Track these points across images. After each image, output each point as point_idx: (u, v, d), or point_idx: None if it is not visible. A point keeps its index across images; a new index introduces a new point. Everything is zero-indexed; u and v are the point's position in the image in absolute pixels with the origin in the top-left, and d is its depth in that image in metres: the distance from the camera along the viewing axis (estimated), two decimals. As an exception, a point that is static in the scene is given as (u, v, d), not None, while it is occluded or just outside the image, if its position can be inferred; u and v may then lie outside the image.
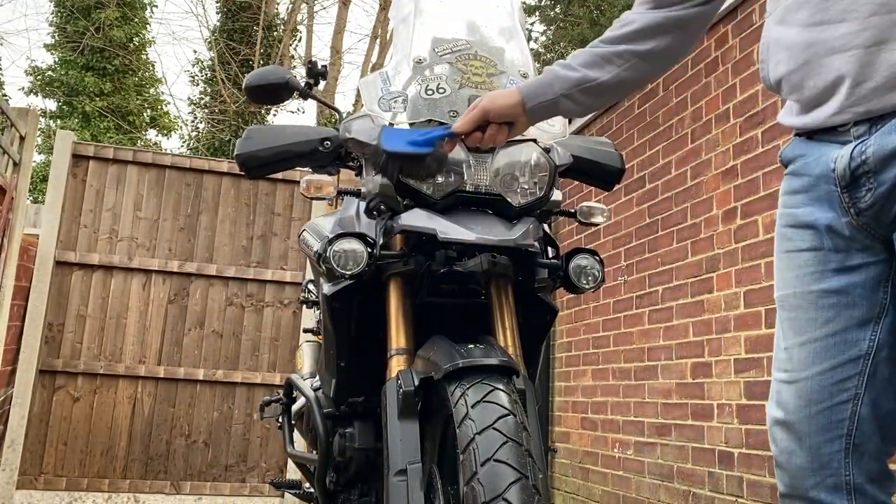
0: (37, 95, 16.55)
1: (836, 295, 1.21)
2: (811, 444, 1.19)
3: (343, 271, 1.53)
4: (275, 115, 15.44)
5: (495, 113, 1.45)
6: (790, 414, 1.22)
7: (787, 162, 1.31)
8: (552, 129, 1.71)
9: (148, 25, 17.20)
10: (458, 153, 1.55)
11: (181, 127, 17.20)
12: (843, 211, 1.20)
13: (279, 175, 5.16)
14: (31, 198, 10.67)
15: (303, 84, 1.89)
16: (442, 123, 1.55)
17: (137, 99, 16.59)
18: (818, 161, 1.23)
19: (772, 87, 1.31)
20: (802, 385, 1.21)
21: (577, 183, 3.08)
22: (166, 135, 18.04)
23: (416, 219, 1.52)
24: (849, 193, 1.19)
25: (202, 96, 15.54)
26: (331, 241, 1.54)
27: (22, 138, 4.52)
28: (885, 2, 1.11)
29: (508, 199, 1.56)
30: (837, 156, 1.19)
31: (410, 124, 1.59)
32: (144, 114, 17.14)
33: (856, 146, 1.17)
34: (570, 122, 1.80)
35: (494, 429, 1.23)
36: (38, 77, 16.17)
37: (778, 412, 1.24)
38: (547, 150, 1.62)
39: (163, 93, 18.05)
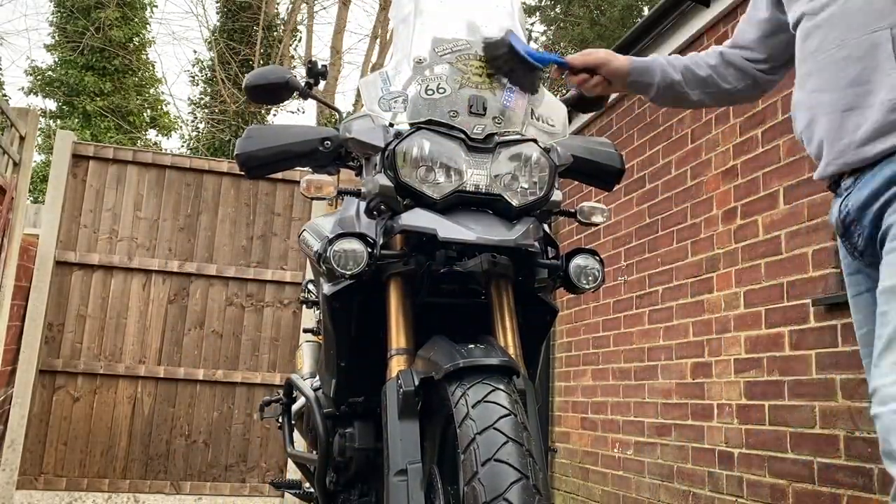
0: (37, 95, 16.56)
1: None
2: None
3: (343, 271, 1.52)
4: (275, 115, 15.45)
5: (608, 69, 1.74)
6: None
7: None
8: (552, 129, 1.70)
9: (148, 25, 17.22)
10: (458, 153, 1.55)
11: (181, 127, 17.23)
12: (850, 254, 1.44)
13: (279, 175, 5.16)
14: (31, 198, 10.68)
15: (303, 84, 1.89)
16: (442, 123, 1.56)
17: (137, 99, 16.60)
18: (831, 216, 1.46)
19: (800, 142, 1.54)
20: None
21: (577, 183, 3.07)
22: (166, 135, 18.05)
23: (416, 219, 1.52)
24: (847, 241, 1.42)
25: (202, 96, 15.55)
26: (331, 241, 1.54)
27: (22, 138, 4.52)
28: (855, 77, 1.36)
29: (508, 199, 1.56)
30: (834, 210, 1.43)
31: (411, 124, 1.58)
32: (144, 114, 17.14)
33: (842, 200, 1.41)
34: (569, 122, 1.80)
35: (495, 429, 1.23)
36: (38, 77, 16.17)
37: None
38: (547, 150, 1.61)
39: (163, 93, 18.09)
